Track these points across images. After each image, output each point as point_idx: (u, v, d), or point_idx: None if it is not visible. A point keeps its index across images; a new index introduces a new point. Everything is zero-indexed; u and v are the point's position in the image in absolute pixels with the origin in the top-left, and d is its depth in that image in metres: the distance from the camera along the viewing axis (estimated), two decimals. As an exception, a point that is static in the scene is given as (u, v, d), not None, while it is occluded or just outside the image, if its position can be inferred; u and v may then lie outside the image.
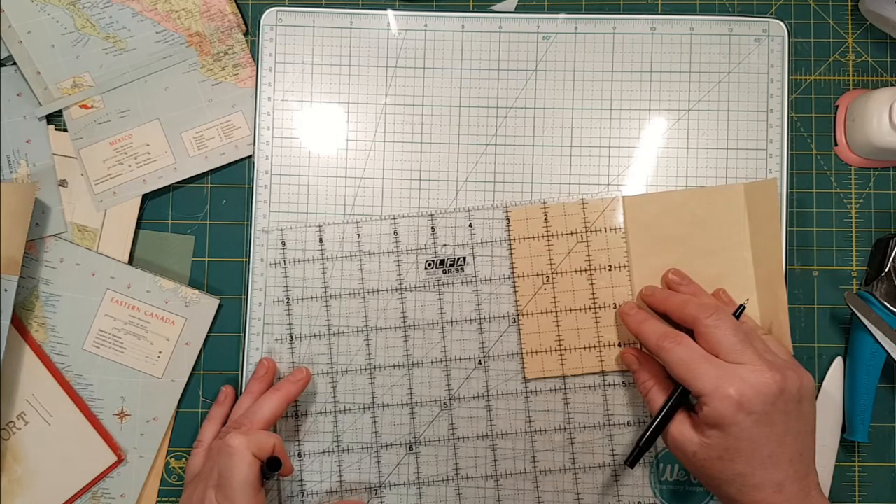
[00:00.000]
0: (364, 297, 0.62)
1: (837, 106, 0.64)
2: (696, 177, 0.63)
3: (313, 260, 0.63)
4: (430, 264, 0.62)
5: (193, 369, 0.63)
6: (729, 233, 0.61)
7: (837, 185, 0.64)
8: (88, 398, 0.62)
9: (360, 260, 0.63)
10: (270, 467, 0.53)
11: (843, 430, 0.62)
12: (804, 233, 0.63)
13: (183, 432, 0.63)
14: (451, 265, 0.62)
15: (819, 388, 0.62)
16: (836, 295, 0.63)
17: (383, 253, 0.63)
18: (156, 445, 0.62)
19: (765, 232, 0.60)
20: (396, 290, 0.62)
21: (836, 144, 0.64)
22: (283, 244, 0.63)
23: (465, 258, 0.62)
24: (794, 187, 0.63)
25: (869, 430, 0.61)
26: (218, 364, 0.63)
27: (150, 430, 0.62)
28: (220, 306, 0.63)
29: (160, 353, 0.62)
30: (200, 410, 0.63)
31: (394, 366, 0.62)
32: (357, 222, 0.63)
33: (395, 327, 0.62)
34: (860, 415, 0.60)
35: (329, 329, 0.63)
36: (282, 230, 0.63)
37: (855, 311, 0.59)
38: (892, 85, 0.64)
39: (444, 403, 0.62)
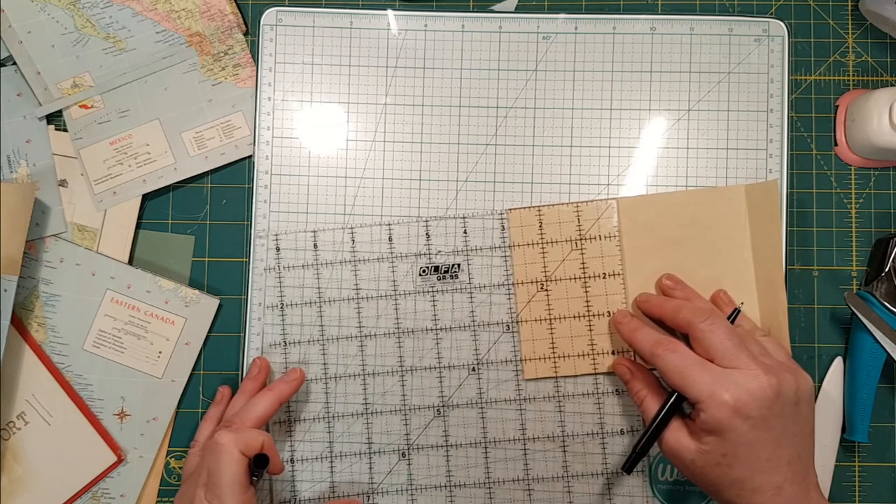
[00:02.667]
0: (358, 303, 0.62)
1: (837, 106, 0.64)
2: (696, 177, 0.63)
3: (307, 265, 0.63)
4: (424, 270, 0.62)
5: (193, 369, 0.63)
6: (729, 234, 0.61)
7: (837, 185, 0.64)
8: (88, 398, 0.62)
9: (355, 266, 0.63)
10: (257, 464, 0.52)
11: (843, 430, 0.62)
12: (804, 233, 0.63)
13: (183, 432, 0.63)
14: (446, 272, 0.62)
15: (819, 388, 0.62)
16: (836, 295, 0.63)
17: (378, 259, 0.63)
18: (156, 445, 0.62)
19: (765, 233, 0.60)
20: (391, 296, 0.62)
21: (836, 144, 0.64)
22: (278, 249, 0.63)
23: (459, 265, 0.62)
24: (794, 187, 0.63)
25: (869, 430, 0.61)
26: (218, 364, 0.63)
27: (150, 430, 0.62)
28: (220, 306, 0.63)
29: (160, 353, 0.62)
30: (200, 410, 0.63)
31: (387, 372, 0.62)
32: (352, 228, 0.63)
33: (389, 333, 0.62)
34: (860, 415, 0.60)
35: (323, 335, 0.62)
36: (276, 235, 0.63)
37: (855, 311, 0.59)
38: (892, 85, 0.64)
39: (438, 410, 0.62)
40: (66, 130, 0.63)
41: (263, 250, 0.63)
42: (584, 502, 0.62)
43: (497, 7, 0.64)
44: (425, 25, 0.64)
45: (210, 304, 0.62)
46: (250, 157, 0.64)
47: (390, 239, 0.63)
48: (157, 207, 0.64)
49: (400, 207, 0.63)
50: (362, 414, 0.62)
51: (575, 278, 0.62)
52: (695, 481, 0.53)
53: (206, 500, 0.51)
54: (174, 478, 0.63)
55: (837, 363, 0.62)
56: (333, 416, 0.62)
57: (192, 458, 0.59)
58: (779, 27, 0.63)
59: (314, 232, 0.63)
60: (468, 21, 0.64)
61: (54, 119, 0.64)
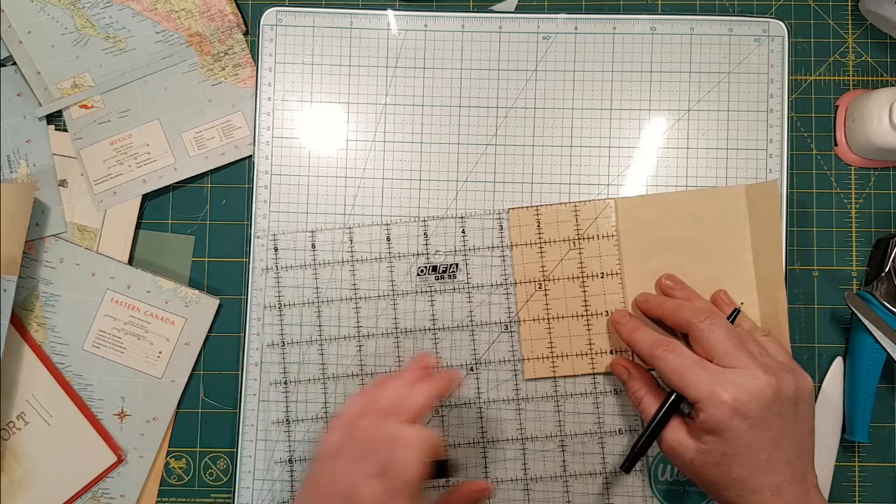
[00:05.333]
0: (356, 303, 0.62)
1: (837, 106, 0.64)
2: (696, 177, 0.63)
3: (305, 266, 0.63)
4: (422, 270, 0.62)
5: (193, 369, 0.63)
6: (730, 234, 0.61)
7: (837, 185, 0.64)
8: (88, 398, 0.62)
9: (353, 266, 0.63)
10: (441, 472, 0.50)
11: (843, 430, 0.62)
12: (804, 233, 0.63)
13: (183, 432, 0.63)
14: (444, 271, 0.62)
15: (819, 388, 0.62)
16: (836, 295, 0.63)
17: (376, 259, 0.63)
18: (156, 445, 0.62)
19: (765, 234, 0.60)
20: (388, 296, 0.62)
21: (836, 144, 0.64)
22: (276, 249, 0.63)
23: (457, 265, 0.62)
24: (795, 187, 0.63)
25: (869, 430, 0.61)
26: (218, 364, 0.63)
27: (150, 430, 0.62)
28: (220, 306, 0.63)
29: (160, 353, 0.62)
30: (200, 410, 0.63)
31: (385, 372, 0.62)
32: (350, 228, 0.63)
33: (387, 333, 0.62)
34: (860, 415, 0.60)
35: (321, 335, 0.62)
36: (274, 235, 0.63)
37: (855, 311, 0.59)
38: (892, 85, 0.64)
39: (436, 410, 0.62)
40: (66, 130, 0.63)
41: (263, 250, 0.63)
42: (582, 502, 0.62)
43: (497, 7, 0.64)
44: (425, 25, 0.64)
45: (210, 304, 0.62)
46: (250, 157, 0.64)
47: (388, 239, 0.63)
48: (157, 207, 0.64)
49: (400, 207, 0.63)
50: (361, 414, 0.62)
51: (573, 278, 0.62)
52: (694, 480, 0.53)
53: (382, 491, 0.48)
54: (174, 478, 0.63)
55: (837, 363, 0.62)
56: (332, 417, 0.62)
57: (335, 433, 0.53)
58: (779, 27, 0.63)
59: (312, 232, 0.63)
60: (468, 21, 0.64)
61: (54, 119, 0.64)
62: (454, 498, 0.57)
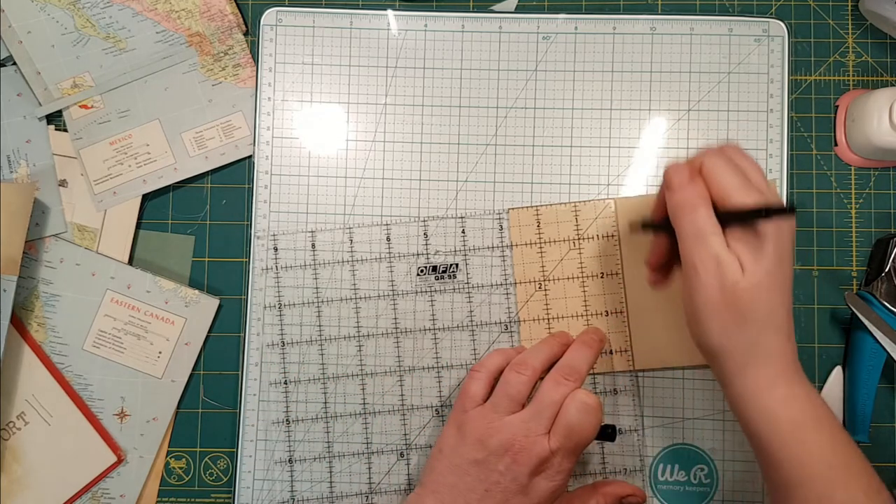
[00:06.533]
0: (356, 303, 0.62)
1: (837, 106, 0.64)
2: (696, 177, 0.63)
3: (305, 266, 0.63)
4: (422, 270, 0.62)
5: (193, 369, 0.63)
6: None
7: (837, 185, 0.64)
8: (88, 398, 0.62)
9: (353, 266, 0.63)
10: (607, 436, 0.55)
11: (843, 430, 0.62)
12: (804, 233, 0.63)
13: (183, 432, 0.63)
14: (444, 271, 0.62)
15: (819, 390, 0.62)
16: (836, 295, 0.63)
17: (376, 259, 0.63)
18: (156, 445, 0.62)
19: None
20: (388, 296, 0.62)
21: (836, 144, 0.64)
22: (276, 249, 0.63)
23: (457, 265, 0.62)
24: (794, 187, 0.63)
25: (869, 430, 0.61)
26: (218, 364, 0.63)
27: (150, 430, 0.62)
28: (220, 306, 0.63)
29: (160, 353, 0.62)
30: (200, 410, 0.63)
31: (386, 372, 0.62)
32: (350, 228, 0.63)
33: (387, 333, 0.62)
34: (860, 415, 0.60)
35: (321, 335, 0.62)
36: (274, 235, 0.63)
37: (855, 311, 0.59)
38: (892, 85, 0.64)
39: (436, 410, 0.62)
40: (66, 130, 0.63)
41: (263, 250, 0.63)
42: (583, 502, 0.61)
43: (497, 7, 0.64)
44: (425, 25, 0.64)
45: (210, 304, 0.62)
46: (250, 157, 0.64)
47: (388, 239, 0.63)
48: (157, 207, 0.64)
49: (400, 208, 0.63)
50: (361, 414, 0.62)
51: (573, 278, 0.62)
52: (712, 315, 0.48)
53: (559, 453, 0.51)
54: (174, 478, 0.63)
55: (837, 372, 0.62)
56: (332, 417, 0.62)
57: (477, 382, 0.56)
58: (779, 27, 0.63)
59: (312, 232, 0.63)
60: (468, 21, 0.64)
61: (54, 119, 0.64)
62: (598, 493, 0.58)
